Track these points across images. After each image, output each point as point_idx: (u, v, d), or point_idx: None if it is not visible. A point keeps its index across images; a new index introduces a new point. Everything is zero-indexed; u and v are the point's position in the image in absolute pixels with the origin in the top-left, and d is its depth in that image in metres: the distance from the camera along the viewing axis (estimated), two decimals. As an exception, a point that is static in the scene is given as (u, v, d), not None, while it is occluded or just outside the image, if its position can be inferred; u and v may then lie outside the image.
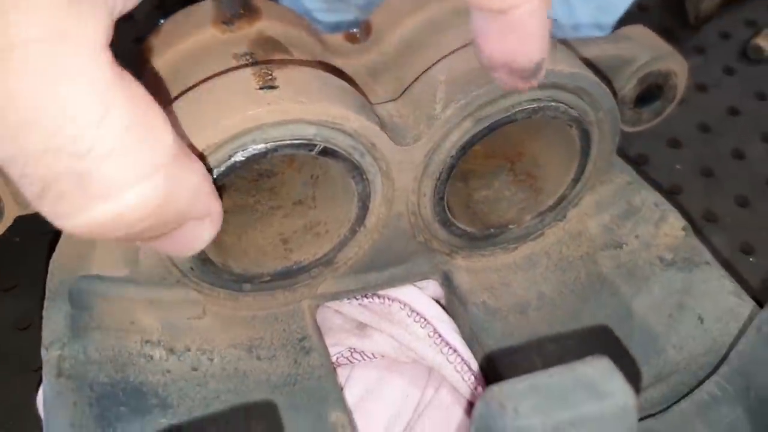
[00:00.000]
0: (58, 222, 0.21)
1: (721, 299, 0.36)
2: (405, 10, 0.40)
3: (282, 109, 0.31)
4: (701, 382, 0.33)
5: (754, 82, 0.57)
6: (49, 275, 0.34)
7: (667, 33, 0.60)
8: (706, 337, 0.35)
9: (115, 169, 0.20)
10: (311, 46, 0.39)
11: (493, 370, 0.38)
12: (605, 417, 0.25)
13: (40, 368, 0.37)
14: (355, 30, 0.41)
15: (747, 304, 0.35)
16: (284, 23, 0.38)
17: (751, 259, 0.47)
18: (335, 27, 0.50)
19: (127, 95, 0.20)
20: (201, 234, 0.25)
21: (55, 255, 0.34)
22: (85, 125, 0.19)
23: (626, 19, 0.59)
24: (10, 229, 0.37)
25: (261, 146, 0.32)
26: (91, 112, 0.19)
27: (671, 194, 0.50)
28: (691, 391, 0.33)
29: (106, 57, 0.20)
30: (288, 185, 0.40)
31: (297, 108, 0.31)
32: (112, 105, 0.20)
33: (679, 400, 0.33)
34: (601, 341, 0.38)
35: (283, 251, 0.38)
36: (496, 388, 0.25)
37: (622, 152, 0.48)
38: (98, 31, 0.20)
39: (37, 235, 0.45)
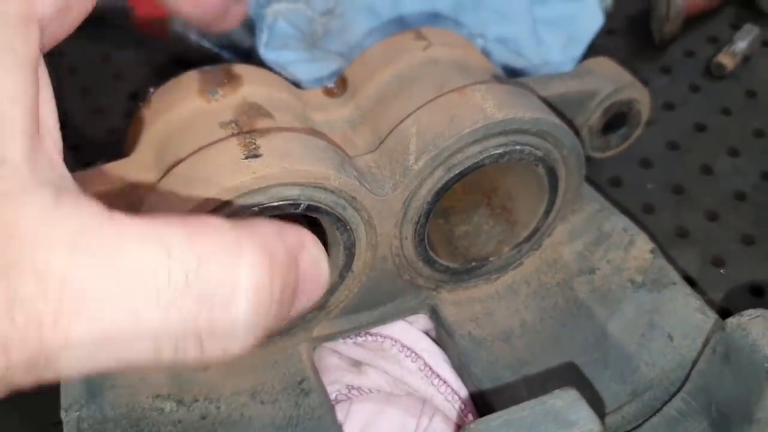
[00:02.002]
0: (223, 354, 0.20)
1: (688, 317, 0.39)
2: (377, 65, 0.43)
3: (266, 175, 0.34)
4: (672, 398, 0.35)
5: (718, 98, 0.60)
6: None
7: (633, 54, 0.64)
8: (676, 353, 0.38)
9: (216, 272, 0.20)
10: (292, 105, 0.41)
11: (480, 396, 0.40)
12: (573, 444, 0.28)
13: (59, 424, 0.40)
14: (332, 85, 0.44)
15: (711, 320, 0.38)
16: (266, 86, 0.40)
17: (721, 271, 0.49)
18: (314, 82, 0.52)
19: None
20: (316, 257, 0.24)
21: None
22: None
23: (595, 43, 0.62)
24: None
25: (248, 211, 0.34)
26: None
27: (644, 213, 0.52)
28: (662, 407, 0.36)
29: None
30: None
31: (280, 173, 0.34)
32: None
33: (650, 417, 0.35)
34: (579, 363, 0.40)
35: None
36: (473, 426, 0.28)
37: (595, 176, 0.51)
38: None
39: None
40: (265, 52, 0.54)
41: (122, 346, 0.19)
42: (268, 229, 0.22)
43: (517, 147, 0.39)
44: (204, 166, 0.35)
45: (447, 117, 0.38)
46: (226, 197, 0.33)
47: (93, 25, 0.27)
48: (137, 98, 0.61)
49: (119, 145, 0.41)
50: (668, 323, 0.39)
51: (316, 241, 0.24)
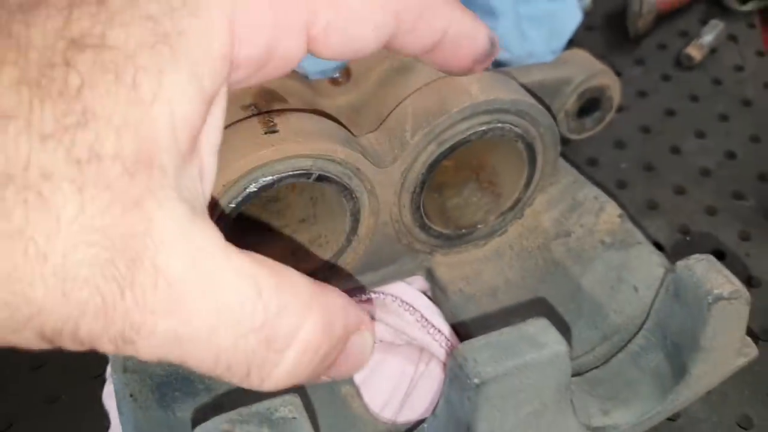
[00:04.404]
0: (258, 386, 0.23)
1: (651, 271, 0.44)
2: (378, 57, 0.49)
3: (284, 148, 0.39)
4: (634, 336, 0.41)
5: (687, 86, 0.66)
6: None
7: (610, 48, 0.70)
8: (640, 302, 0.43)
9: (286, 323, 0.23)
10: (303, 92, 0.47)
11: (471, 343, 0.46)
12: (543, 362, 0.33)
13: (101, 375, 0.46)
14: (337, 75, 0.50)
15: (671, 273, 0.44)
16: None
17: (687, 238, 0.55)
18: (320, 74, 0.58)
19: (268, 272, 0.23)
20: (365, 344, 0.26)
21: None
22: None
23: (575, 38, 0.68)
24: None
25: (269, 178, 0.40)
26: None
27: (618, 189, 0.58)
28: (626, 344, 0.41)
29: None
30: (292, 207, 0.49)
31: (295, 146, 0.40)
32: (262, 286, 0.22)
33: (616, 353, 0.41)
34: (561, 310, 0.46)
35: (292, 261, 0.47)
36: (461, 347, 0.33)
37: (573, 156, 0.56)
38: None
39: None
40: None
41: (191, 351, 0.21)
42: (338, 302, 0.25)
43: (499, 125, 0.45)
44: (230, 140, 0.40)
45: (438, 99, 0.44)
46: (249, 166, 0.39)
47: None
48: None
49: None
50: (634, 277, 0.45)
51: (371, 327, 0.27)
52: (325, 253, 0.46)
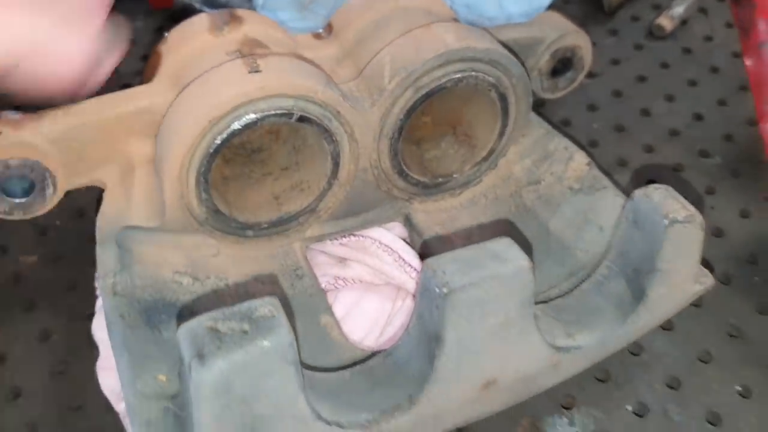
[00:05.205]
0: None
1: (615, 212, 0.46)
2: (358, 13, 0.51)
3: (266, 86, 0.42)
4: (598, 266, 0.44)
5: (658, 54, 0.69)
6: (97, 229, 0.44)
7: (586, 20, 0.72)
8: (605, 240, 0.46)
9: None
10: (286, 42, 0.49)
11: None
12: (507, 275, 0.36)
13: (91, 316, 0.48)
14: (320, 30, 0.52)
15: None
16: (264, 26, 0.49)
17: (654, 192, 0.57)
18: (303, 30, 0.60)
19: None
20: None
21: (100, 214, 0.45)
22: None
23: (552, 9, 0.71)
24: (48, 215, 0.47)
25: (252, 116, 0.42)
26: None
27: (590, 147, 0.61)
28: (590, 275, 0.44)
29: None
30: (275, 156, 0.51)
31: (278, 85, 0.42)
32: None
33: (580, 283, 0.43)
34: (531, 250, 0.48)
35: (276, 205, 0.49)
36: (429, 260, 0.36)
37: (548, 117, 0.59)
38: None
39: (75, 218, 0.56)
40: (260, 12, 0.62)
41: None
42: None
43: (473, 73, 0.47)
44: (215, 80, 0.43)
45: (415, 47, 0.46)
46: (234, 103, 0.41)
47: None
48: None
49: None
50: (599, 218, 0.47)
51: None
52: (307, 198, 0.48)
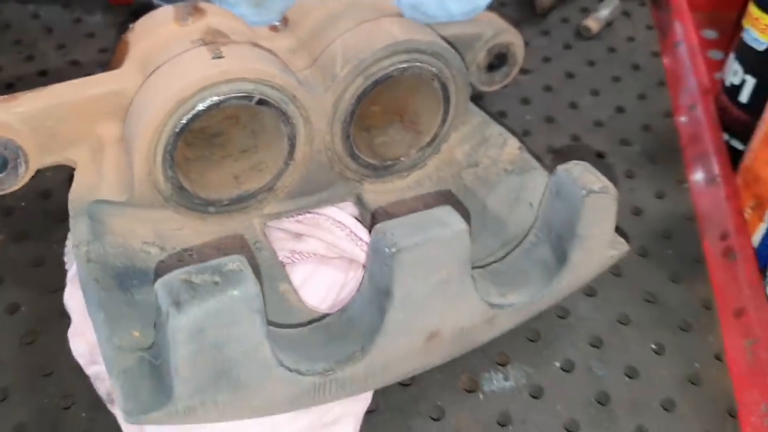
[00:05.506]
0: None
1: (543, 189, 0.52)
2: (312, 7, 0.55)
3: (229, 70, 0.46)
4: (526, 235, 0.49)
5: (586, 53, 0.75)
6: (69, 203, 0.47)
7: (520, 20, 0.78)
8: (534, 214, 0.51)
9: None
10: (246, 33, 0.53)
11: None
12: (448, 237, 0.40)
13: (59, 290, 0.51)
14: (277, 23, 0.57)
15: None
16: (225, 18, 0.52)
17: (581, 176, 0.63)
18: (260, 23, 0.64)
19: None
20: None
21: (72, 190, 0.47)
22: None
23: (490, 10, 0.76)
24: (14, 196, 0.49)
25: (216, 98, 0.46)
26: None
27: (523, 136, 0.67)
28: (520, 243, 0.49)
29: None
30: (234, 140, 0.55)
31: (239, 69, 0.46)
32: None
33: (511, 251, 0.49)
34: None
35: (236, 184, 0.53)
36: (379, 225, 0.40)
37: (486, 108, 0.64)
38: None
39: (40, 199, 0.58)
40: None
41: None
42: None
43: (417, 63, 0.52)
44: (180, 65, 0.46)
45: (365, 38, 0.51)
46: (199, 86, 0.45)
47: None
48: (107, 52, 0.72)
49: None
50: (530, 195, 0.52)
51: None
52: (265, 177, 0.52)
